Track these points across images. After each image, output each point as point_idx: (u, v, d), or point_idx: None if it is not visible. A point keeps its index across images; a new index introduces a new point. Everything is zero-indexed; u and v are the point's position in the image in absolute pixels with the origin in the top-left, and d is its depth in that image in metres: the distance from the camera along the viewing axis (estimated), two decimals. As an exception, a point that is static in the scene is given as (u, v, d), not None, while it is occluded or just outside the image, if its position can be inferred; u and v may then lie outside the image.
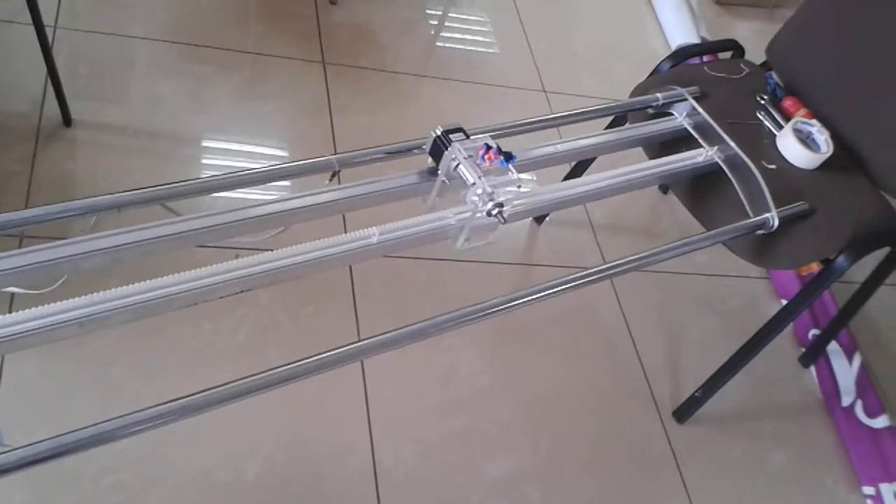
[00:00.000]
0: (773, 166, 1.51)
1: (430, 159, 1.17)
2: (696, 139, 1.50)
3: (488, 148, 1.10)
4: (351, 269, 1.74)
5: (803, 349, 1.95)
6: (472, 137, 1.14)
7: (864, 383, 1.87)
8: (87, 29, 1.99)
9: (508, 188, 1.10)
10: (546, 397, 1.69)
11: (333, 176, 1.17)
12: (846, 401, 1.85)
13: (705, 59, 2.03)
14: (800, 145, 1.51)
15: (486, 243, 1.18)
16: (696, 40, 2.66)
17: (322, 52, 2.18)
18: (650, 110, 1.56)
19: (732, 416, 1.78)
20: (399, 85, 2.21)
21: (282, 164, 1.17)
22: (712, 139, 1.47)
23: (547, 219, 2.01)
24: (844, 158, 1.58)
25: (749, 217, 1.40)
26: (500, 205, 1.07)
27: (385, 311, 1.71)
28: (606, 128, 1.67)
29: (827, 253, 1.45)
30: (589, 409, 1.70)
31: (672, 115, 1.55)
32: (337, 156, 1.17)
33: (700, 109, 1.49)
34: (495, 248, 1.91)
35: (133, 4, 2.10)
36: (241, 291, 1.05)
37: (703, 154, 1.47)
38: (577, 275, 1.17)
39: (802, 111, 1.61)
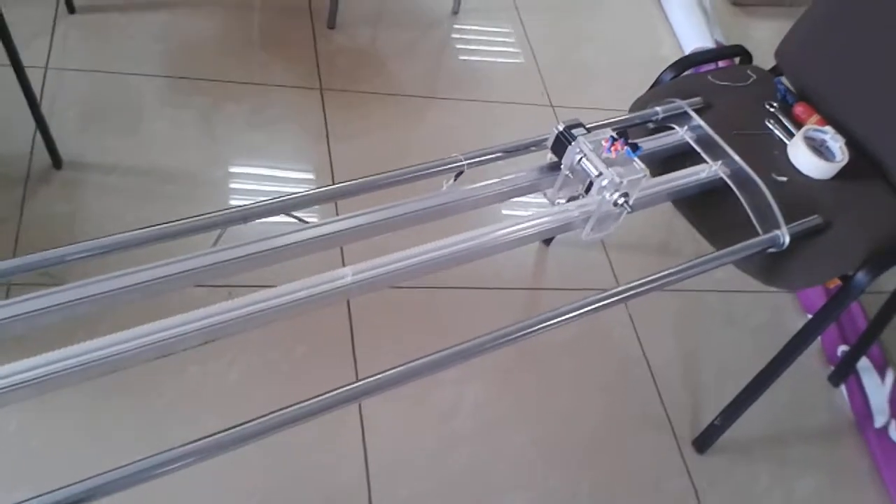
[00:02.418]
0: (784, 178, 1.42)
1: (550, 155, 1.23)
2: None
3: (614, 140, 1.15)
4: (348, 301, 1.68)
5: (832, 367, 1.84)
6: (592, 132, 1.19)
7: (899, 402, 1.76)
8: (79, 68, 1.97)
9: (631, 178, 1.14)
10: (556, 429, 1.61)
11: (458, 175, 1.22)
12: (879, 421, 1.73)
13: (720, 65, 1.94)
14: (812, 154, 1.42)
15: (608, 233, 1.24)
16: (710, 44, 2.56)
17: (320, 79, 2.13)
18: (650, 125, 1.48)
19: (757, 442, 1.68)
20: (399, 108, 2.15)
21: (411, 167, 1.20)
22: (716, 153, 1.39)
23: (555, 239, 1.93)
24: (862, 166, 1.48)
25: (759, 235, 1.31)
26: (626, 194, 1.14)
27: (385, 343, 1.64)
28: (607, 145, 1.59)
29: (844, 269, 1.36)
30: (602, 441, 1.62)
31: (673, 129, 1.47)
32: (464, 154, 1.22)
33: (701, 122, 1.41)
34: (501, 273, 1.84)
35: (126, 40, 2.07)
36: (205, 343, 0.99)
37: (707, 169, 1.38)
38: (586, 300, 1.10)
39: (815, 117, 1.52)
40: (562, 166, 1.21)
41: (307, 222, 1.13)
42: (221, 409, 1.47)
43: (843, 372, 1.81)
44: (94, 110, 1.89)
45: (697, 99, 1.51)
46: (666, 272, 1.19)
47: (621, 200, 1.15)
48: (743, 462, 1.64)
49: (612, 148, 1.16)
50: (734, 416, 1.56)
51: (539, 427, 1.61)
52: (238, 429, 0.87)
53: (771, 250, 1.31)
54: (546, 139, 1.24)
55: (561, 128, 1.19)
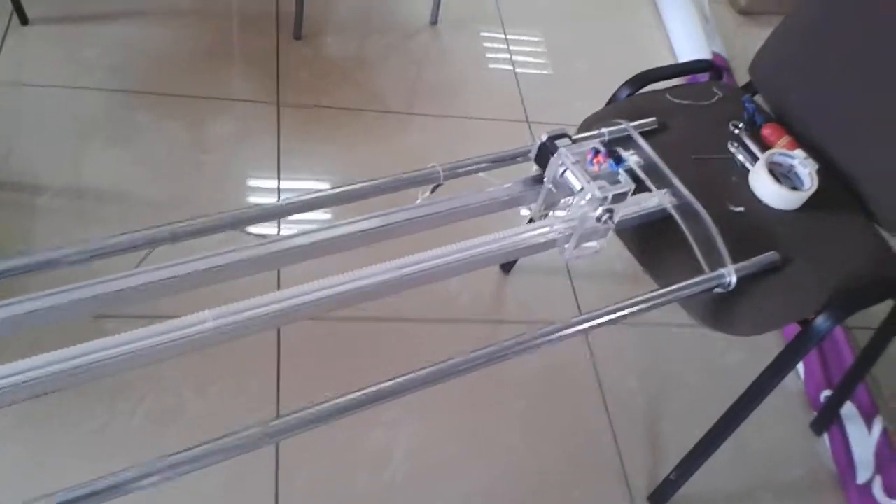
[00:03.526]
0: (741, 209, 1.27)
1: (535, 167, 1.19)
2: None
3: (597, 152, 1.10)
4: (279, 333, 1.57)
5: (816, 413, 1.67)
6: (578, 143, 1.14)
7: (886, 456, 1.56)
8: (27, 82, 1.88)
9: (615, 192, 1.07)
10: (498, 479, 1.47)
11: (436, 188, 1.17)
12: (862, 476, 1.55)
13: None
14: (773, 182, 1.27)
15: (594, 252, 1.16)
16: (706, 56, 2.40)
17: (278, 93, 2.02)
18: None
19: (724, 498, 1.52)
20: (365, 125, 2.03)
21: (385, 178, 1.14)
22: (663, 180, 1.25)
23: (516, 266, 1.79)
24: (836, 194, 1.33)
25: (704, 273, 1.17)
26: (610, 210, 1.08)
27: (317, 383, 1.52)
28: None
29: (801, 314, 1.20)
30: (547, 493, 1.47)
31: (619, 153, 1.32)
32: (442, 165, 1.16)
33: (645, 146, 1.27)
34: (456, 304, 1.71)
35: (79, 52, 1.98)
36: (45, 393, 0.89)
37: (652, 198, 1.24)
38: (522, 336, 1.03)
39: (785, 140, 1.37)
40: (545, 179, 1.15)
41: (265, 236, 1.03)
42: (128, 449, 1.36)
43: (827, 419, 1.64)
44: (35, 127, 1.80)
45: (651, 120, 1.37)
46: (592, 313, 1.06)
47: (605, 216, 1.08)
48: (704, 520, 1.49)
49: (595, 160, 1.10)
50: (690, 471, 1.40)
51: (481, 476, 1.47)
52: (129, 471, 0.77)
53: (718, 290, 1.16)
54: (529, 150, 1.19)
55: (544, 138, 1.15)
